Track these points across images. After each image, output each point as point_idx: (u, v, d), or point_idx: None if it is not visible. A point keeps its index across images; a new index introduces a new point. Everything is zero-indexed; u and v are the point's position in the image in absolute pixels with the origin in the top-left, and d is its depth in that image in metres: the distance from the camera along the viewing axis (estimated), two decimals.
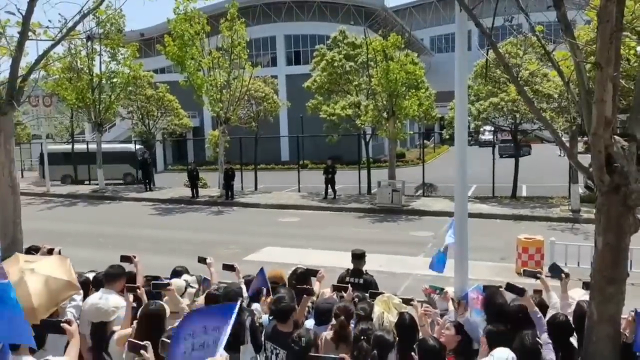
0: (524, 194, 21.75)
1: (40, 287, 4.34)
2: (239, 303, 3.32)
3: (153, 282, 5.14)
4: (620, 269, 3.73)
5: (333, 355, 3.29)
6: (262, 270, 5.53)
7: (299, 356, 3.90)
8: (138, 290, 4.75)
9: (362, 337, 3.95)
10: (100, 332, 4.60)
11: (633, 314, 4.06)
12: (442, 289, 5.53)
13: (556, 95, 17.38)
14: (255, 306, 5.20)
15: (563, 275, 5.00)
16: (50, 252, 5.46)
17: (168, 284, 5.03)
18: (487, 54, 4.51)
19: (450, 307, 5.16)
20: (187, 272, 5.87)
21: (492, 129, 23.69)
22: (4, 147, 6.05)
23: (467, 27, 5.21)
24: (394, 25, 37.16)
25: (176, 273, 5.82)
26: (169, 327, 4.51)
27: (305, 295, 4.80)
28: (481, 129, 26.36)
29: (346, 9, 41.87)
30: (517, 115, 19.63)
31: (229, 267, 5.94)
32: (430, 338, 3.93)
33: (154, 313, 4.21)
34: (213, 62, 22.01)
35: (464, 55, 5.11)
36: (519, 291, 4.42)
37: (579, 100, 3.93)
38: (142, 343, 3.41)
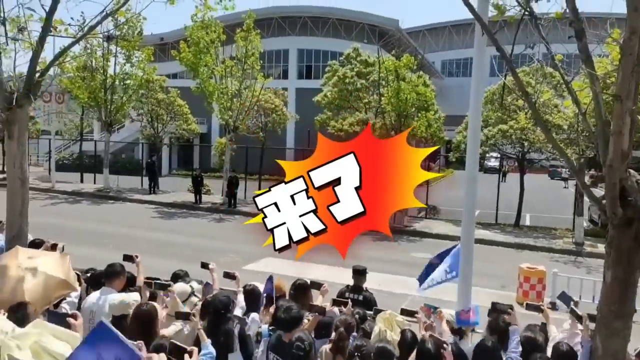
0: (527, 222, 21.68)
1: (35, 283, 4.36)
2: (104, 321, 3.14)
3: (155, 281, 5.13)
4: (628, 303, 3.70)
5: None
6: (270, 278, 5.54)
7: (304, 358, 3.87)
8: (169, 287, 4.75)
9: (355, 354, 3.94)
10: (120, 325, 4.58)
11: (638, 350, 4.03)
12: (436, 308, 5.52)
13: (565, 127, 17.41)
14: (253, 316, 5.18)
15: (572, 304, 4.98)
16: (54, 247, 5.46)
17: (169, 284, 5.03)
18: (504, 79, 4.50)
19: (444, 327, 5.13)
20: (187, 276, 5.87)
21: (498, 155, 23.70)
22: (18, 140, 6.08)
23: (486, 51, 5.25)
24: (407, 46, 37.43)
25: (176, 277, 5.82)
26: (164, 329, 4.51)
27: (316, 313, 4.79)
28: (487, 155, 26.38)
29: (360, 27, 42.19)
30: (525, 144, 19.65)
31: (229, 276, 5.94)
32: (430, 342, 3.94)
33: (145, 314, 4.21)
34: (226, 71, 22.17)
35: (482, 79, 5.14)
36: (504, 309, 4.58)
37: (595, 131, 3.94)
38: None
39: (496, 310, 5.13)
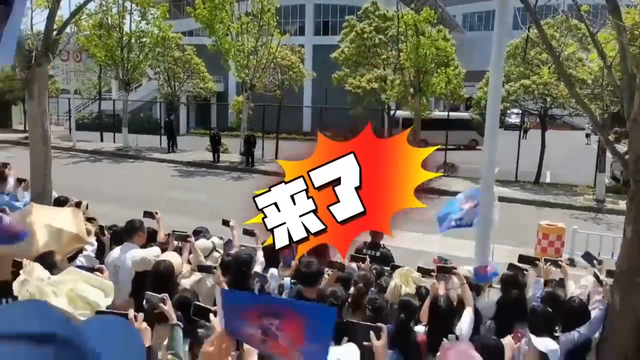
0: (548, 180, 21.45)
1: (47, 238, 4.45)
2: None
3: (175, 232, 5.24)
4: None
5: (373, 324, 3.31)
6: None
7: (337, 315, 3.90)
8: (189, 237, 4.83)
9: (367, 306, 4.00)
10: (142, 280, 4.72)
11: None
12: (446, 260, 5.60)
13: (590, 81, 16.96)
14: (272, 271, 5.28)
15: (595, 263, 4.98)
16: (78, 205, 5.58)
17: (188, 236, 5.12)
18: (528, 32, 4.34)
19: (456, 281, 5.18)
20: (207, 232, 5.96)
21: (520, 111, 23.28)
22: (38, 99, 6.13)
23: (509, 3, 5.08)
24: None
25: (197, 233, 5.92)
26: (184, 280, 4.62)
27: (335, 270, 4.85)
28: (508, 112, 25.93)
29: None
30: (548, 99, 19.23)
31: (249, 233, 6.01)
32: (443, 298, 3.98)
33: (164, 270, 4.31)
34: (242, 27, 21.87)
35: (504, 32, 4.99)
36: (532, 261, 4.64)
37: (620, 85, 3.84)
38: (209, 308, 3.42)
39: (523, 261, 5.12)
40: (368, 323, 3.42)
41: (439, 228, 6.21)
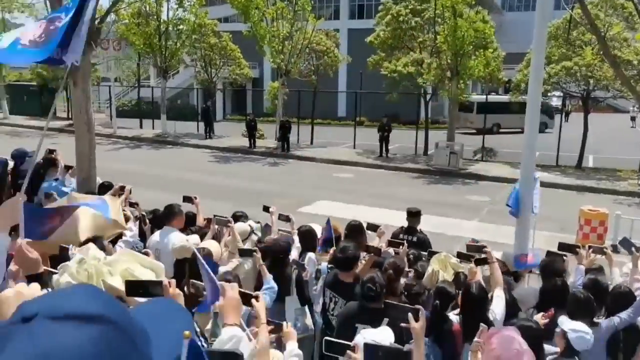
0: (591, 164, 20.87)
1: (87, 224, 4.61)
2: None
3: (216, 216, 5.34)
4: None
5: (410, 306, 3.31)
6: (328, 221, 5.66)
7: (375, 299, 3.87)
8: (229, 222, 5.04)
9: (403, 292, 3.99)
10: (182, 267, 4.86)
11: None
12: (477, 241, 5.56)
13: (636, 62, 16.33)
14: (310, 255, 5.33)
15: (634, 250, 4.86)
16: (122, 189, 5.75)
17: (228, 221, 5.22)
18: (571, 11, 4.17)
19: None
20: (246, 217, 6.06)
21: (561, 94, 22.61)
22: (81, 87, 6.32)
23: None
24: None
25: (235, 218, 6.02)
26: (223, 268, 4.72)
27: (372, 254, 4.86)
28: (549, 94, 25.22)
29: None
30: (591, 81, 18.61)
31: (285, 218, 6.10)
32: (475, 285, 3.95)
33: (204, 258, 4.40)
34: (277, 13, 21.88)
35: (546, 12, 4.86)
36: (572, 249, 4.58)
37: None
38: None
39: (563, 249, 5.06)
40: (407, 305, 3.42)
41: (514, 211, 6.03)
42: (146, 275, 2.78)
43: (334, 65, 26.93)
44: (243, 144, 24.13)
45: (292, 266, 4.79)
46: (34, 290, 1.38)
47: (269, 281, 4.25)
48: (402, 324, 3.09)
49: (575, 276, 4.66)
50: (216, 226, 5.44)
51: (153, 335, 0.93)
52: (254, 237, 5.41)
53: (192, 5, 24.86)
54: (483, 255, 4.47)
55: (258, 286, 4.28)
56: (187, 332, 1.05)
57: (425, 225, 7.68)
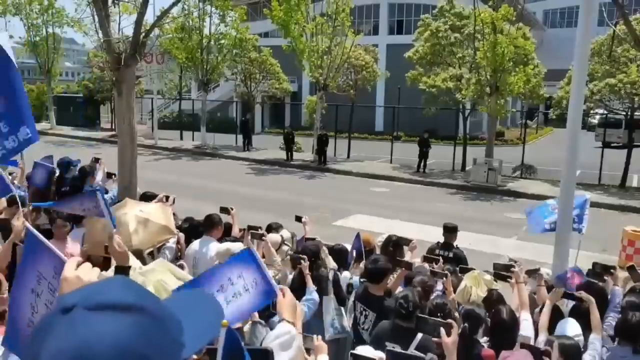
0: (635, 184, 20.19)
1: (139, 228, 4.75)
2: (249, 247, 3.33)
3: (251, 230, 5.42)
4: None
5: (443, 321, 3.28)
6: (358, 235, 5.66)
7: (407, 318, 3.82)
8: (264, 236, 5.13)
9: (438, 314, 3.92)
10: None
11: None
12: (515, 262, 5.44)
13: None
14: (345, 274, 5.32)
15: None
16: (166, 198, 5.91)
17: (263, 234, 5.29)
18: (614, 27, 4.09)
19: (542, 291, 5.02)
20: (281, 227, 6.12)
21: (604, 112, 22.03)
22: (125, 98, 6.55)
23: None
24: None
25: (269, 228, 6.10)
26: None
27: (403, 268, 4.82)
28: (591, 112, 24.63)
29: None
30: (636, 99, 18.08)
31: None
32: (505, 309, 3.88)
33: None
34: (316, 28, 22.15)
35: (589, 28, 4.78)
36: (607, 269, 4.49)
37: None
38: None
39: (595, 272, 4.95)
40: (439, 319, 3.39)
41: (531, 229, 5.96)
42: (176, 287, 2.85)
43: (372, 80, 27.02)
44: (281, 156, 24.37)
45: (327, 267, 4.79)
46: (93, 274, 1.47)
47: (312, 292, 4.25)
48: (434, 339, 3.06)
49: (611, 298, 4.51)
50: (249, 237, 5.52)
51: (185, 324, 0.98)
52: (285, 248, 5.46)
53: (234, 21, 25.44)
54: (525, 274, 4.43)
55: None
56: (225, 321, 1.10)
57: (462, 241, 7.60)
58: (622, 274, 5.23)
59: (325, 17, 22.42)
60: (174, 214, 6.35)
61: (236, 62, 27.97)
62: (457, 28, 22.78)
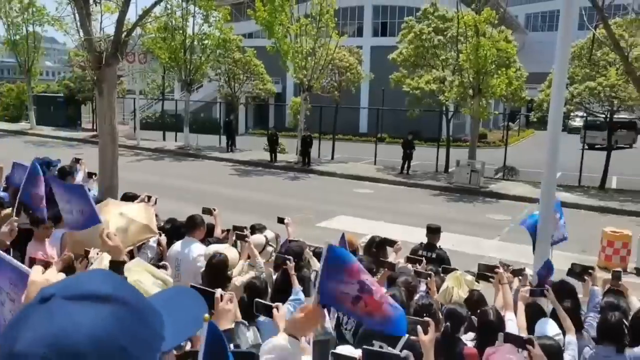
0: (614, 185, 20.52)
1: (120, 228, 4.70)
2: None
3: (236, 231, 5.39)
4: None
5: (420, 319, 3.31)
6: (343, 235, 5.66)
7: None
8: (247, 238, 5.06)
9: (424, 314, 3.95)
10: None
11: None
12: (508, 265, 5.49)
13: None
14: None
15: None
16: (148, 199, 5.86)
17: (246, 235, 5.26)
18: (594, 30, 4.15)
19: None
20: (264, 229, 6.09)
21: (584, 114, 22.37)
22: (107, 98, 6.47)
23: (574, 2, 4.93)
24: None
25: (254, 229, 6.06)
26: (238, 278, 4.75)
27: (386, 269, 4.82)
28: (571, 114, 24.98)
29: None
30: (615, 102, 18.38)
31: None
32: (492, 311, 3.91)
33: (217, 263, 4.46)
34: (300, 29, 22.15)
35: (569, 31, 4.85)
36: (585, 270, 4.55)
37: None
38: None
39: (574, 272, 5.02)
40: (415, 317, 3.43)
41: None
42: (155, 288, 2.82)
43: (356, 81, 27.11)
44: (264, 157, 24.31)
45: (310, 268, 4.78)
46: (60, 277, 1.47)
47: (298, 292, 4.25)
48: (412, 337, 3.09)
49: (590, 298, 4.58)
50: (233, 238, 5.49)
51: (167, 317, 0.98)
52: (269, 249, 5.44)
53: (218, 21, 25.32)
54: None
55: (276, 296, 4.30)
56: (206, 316, 1.10)
57: (445, 242, 7.64)
58: (601, 274, 5.31)
59: (309, 19, 22.43)
60: (155, 215, 6.29)
61: (220, 62, 27.85)
62: (441, 30, 22.97)
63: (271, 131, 24.75)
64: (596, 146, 25.84)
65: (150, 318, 0.94)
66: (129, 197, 6.47)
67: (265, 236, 5.51)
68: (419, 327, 3.11)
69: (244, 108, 37.85)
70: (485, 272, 4.79)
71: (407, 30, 24.00)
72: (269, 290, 4.48)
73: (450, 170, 22.03)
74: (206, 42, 25.78)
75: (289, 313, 4.14)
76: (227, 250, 4.87)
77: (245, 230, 5.41)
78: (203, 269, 4.75)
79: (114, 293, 0.90)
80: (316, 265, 5.24)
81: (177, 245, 5.45)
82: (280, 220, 6.23)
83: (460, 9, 21.28)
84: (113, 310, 0.88)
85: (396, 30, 30.86)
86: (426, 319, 3.29)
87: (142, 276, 2.88)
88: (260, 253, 5.32)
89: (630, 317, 4.23)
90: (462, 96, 20.71)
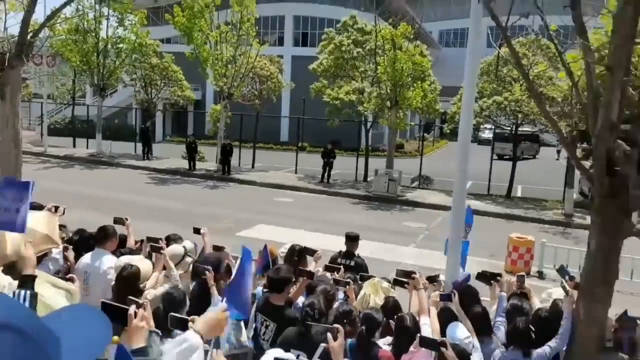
0: (519, 194, 21.87)
1: (17, 237, 4.39)
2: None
3: (150, 243, 5.20)
4: (611, 271, 3.81)
5: (329, 326, 3.37)
6: (265, 246, 5.61)
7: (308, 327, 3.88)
8: (162, 249, 4.89)
9: (345, 320, 4.01)
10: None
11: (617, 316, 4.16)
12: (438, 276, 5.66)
13: (560, 99, 17.39)
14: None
15: (567, 278, 5.09)
16: (56, 209, 5.52)
17: (161, 247, 5.09)
18: (499, 49, 4.43)
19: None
20: (180, 239, 5.91)
21: (492, 127, 23.72)
22: (10, 102, 6.05)
23: (482, 21, 5.22)
24: (404, 14, 36.91)
25: (169, 240, 5.88)
26: (152, 290, 4.59)
27: (305, 277, 4.83)
28: (482, 127, 26.44)
29: None
30: (519, 116, 19.66)
31: (217, 249, 5.93)
32: (408, 316, 4.05)
33: (129, 275, 4.30)
34: (220, 36, 21.91)
35: (477, 49, 5.13)
36: (493, 277, 4.78)
37: (585, 102, 3.97)
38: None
39: (484, 277, 5.28)
40: (325, 325, 3.49)
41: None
42: (56, 298, 2.66)
43: (277, 90, 27.12)
44: (182, 166, 23.73)
45: (226, 281, 4.70)
46: None
47: (217, 303, 4.18)
48: (322, 344, 3.13)
49: (498, 303, 4.85)
50: (148, 249, 5.29)
51: (65, 340, 0.93)
52: (188, 259, 5.30)
53: (134, 25, 24.47)
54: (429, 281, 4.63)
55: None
56: (115, 338, 1.06)
57: (363, 250, 7.79)
58: (508, 278, 5.62)
59: (229, 26, 22.23)
60: (63, 226, 5.95)
61: (135, 67, 26.92)
62: (360, 43, 23.53)
63: (190, 139, 24.20)
64: (505, 157, 27.52)
65: (45, 345, 0.89)
66: (34, 207, 6.05)
67: (184, 247, 5.36)
68: (329, 334, 3.15)
69: (162, 115, 36.80)
70: (403, 278, 4.93)
71: (327, 42, 24.40)
72: (187, 301, 4.36)
73: (369, 179, 22.55)
74: (121, 46, 24.82)
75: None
76: (140, 262, 4.69)
77: (160, 241, 5.23)
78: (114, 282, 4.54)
79: (8, 320, 0.86)
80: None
81: (87, 258, 5.18)
82: (196, 231, 6.09)
83: (378, 23, 21.96)
84: (5, 338, 0.84)
85: (317, 41, 31.29)
86: (335, 325, 3.36)
87: (42, 288, 2.70)
88: (178, 264, 5.17)
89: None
90: (380, 107, 21.31)
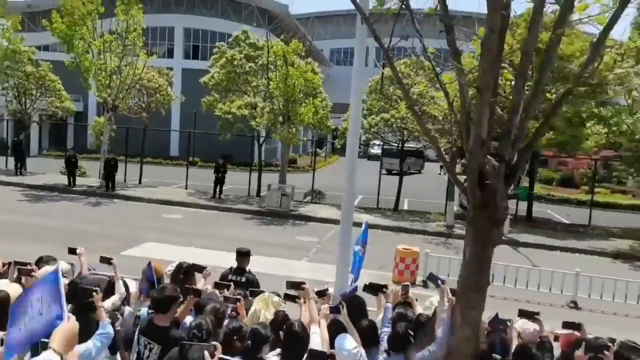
0: (406, 207, 22.94)
1: None
2: (55, 266, 3.07)
3: (18, 267, 4.76)
4: (484, 277, 4.09)
5: (206, 344, 3.35)
6: (149, 264, 5.35)
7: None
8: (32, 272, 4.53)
9: (235, 337, 3.95)
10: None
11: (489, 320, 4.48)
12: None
13: (440, 118, 18.59)
14: (128, 308, 5.02)
15: (440, 283, 5.36)
16: None
17: (32, 270, 4.69)
18: (382, 69, 4.67)
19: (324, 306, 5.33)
20: (53, 260, 5.48)
21: (381, 143, 24.76)
22: None
23: (367, 42, 5.45)
24: (296, 32, 37.59)
25: (40, 261, 5.43)
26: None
27: (192, 296, 4.66)
28: (371, 143, 27.53)
29: (250, 10, 41.59)
30: (405, 132, 20.72)
31: (106, 260, 5.62)
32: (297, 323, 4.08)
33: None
34: (104, 45, 20.85)
35: (362, 68, 5.33)
36: (380, 289, 4.94)
37: (459, 120, 4.26)
38: None
39: (371, 288, 5.44)
40: (201, 343, 3.46)
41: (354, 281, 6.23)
42: None
43: (166, 103, 26.29)
44: (61, 181, 22.17)
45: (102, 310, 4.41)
46: None
47: (106, 326, 3.94)
48: None
49: (384, 313, 5.04)
50: (15, 274, 4.84)
51: None
52: (65, 281, 4.91)
53: (6, 30, 22.59)
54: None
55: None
56: None
57: (256, 265, 7.71)
58: (394, 288, 5.84)
59: (115, 35, 21.24)
60: None
61: (7, 75, 24.77)
62: (252, 58, 23.57)
63: (69, 153, 22.70)
64: (393, 172, 28.80)
65: None
66: None
67: (60, 269, 4.96)
68: (205, 351, 3.11)
69: (38, 127, 34.13)
70: (293, 288, 4.95)
71: (218, 55, 24.15)
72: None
73: (262, 194, 22.51)
74: None
75: (95, 348, 3.81)
76: (8, 287, 4.27)
77: (29, 265, 4.80)
78: None
79: None
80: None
81: None
82: (72, 251, 5.66)
83: (269, 39, 22.14)
84: None
85: (208, 54, 30.87)
86: (213, 343, 3.35)
87: None
88: None
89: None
90: (272, 122, 21.42)
